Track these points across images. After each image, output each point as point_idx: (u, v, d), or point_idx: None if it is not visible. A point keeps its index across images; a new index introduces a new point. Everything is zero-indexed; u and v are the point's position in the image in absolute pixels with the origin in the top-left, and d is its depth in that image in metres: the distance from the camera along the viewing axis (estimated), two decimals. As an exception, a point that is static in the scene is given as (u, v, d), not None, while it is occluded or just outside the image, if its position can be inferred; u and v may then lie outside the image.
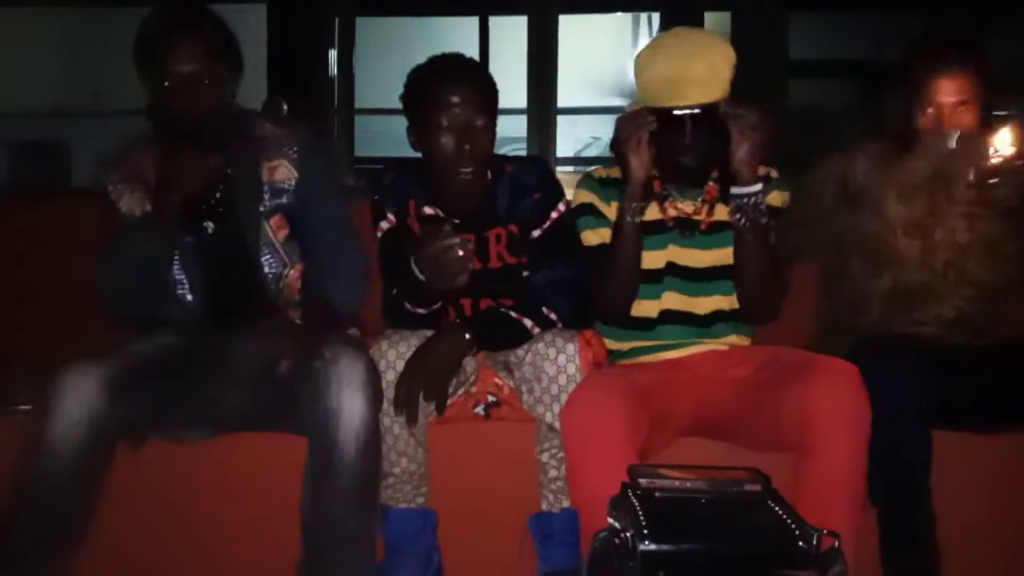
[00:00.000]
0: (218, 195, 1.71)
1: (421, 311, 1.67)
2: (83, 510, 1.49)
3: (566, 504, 1.59)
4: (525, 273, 1.78)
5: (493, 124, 1.75)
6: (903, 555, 1.56)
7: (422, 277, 1.57)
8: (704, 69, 1.66)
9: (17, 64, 7.31)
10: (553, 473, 1.60)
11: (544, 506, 1.62)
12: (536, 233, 1.78)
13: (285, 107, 4.04)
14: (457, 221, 1.76)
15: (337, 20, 4.12)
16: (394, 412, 1.55)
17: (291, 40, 3.97)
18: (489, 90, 1.76)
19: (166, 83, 1.64)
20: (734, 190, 1.67)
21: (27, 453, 1.44)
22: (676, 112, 1.66)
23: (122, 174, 1.74)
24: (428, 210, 1.80)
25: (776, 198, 1.76)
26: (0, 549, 1.45)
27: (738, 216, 1.67)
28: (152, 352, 1.62)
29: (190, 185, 1.64)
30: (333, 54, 4.17)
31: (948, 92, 1.72)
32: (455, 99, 1.69)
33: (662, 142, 1.69)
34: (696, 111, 1.65)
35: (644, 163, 1.66)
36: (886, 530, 1.56)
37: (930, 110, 1.73)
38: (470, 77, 1.74)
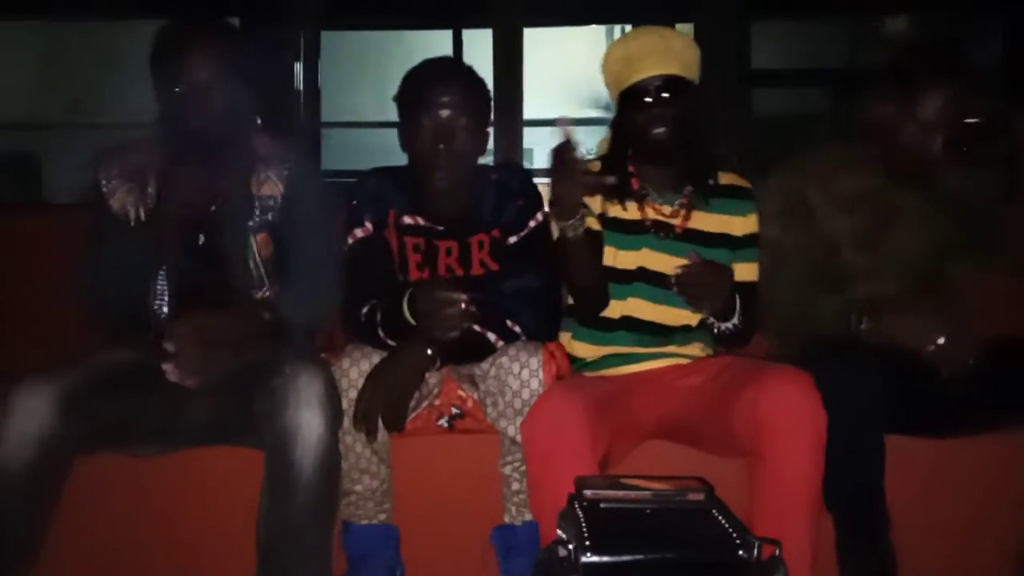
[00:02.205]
0: (214, 208, 1.70)
1: (391, 342, 1.65)
2: (36, 527, 1.47)
3: (528, 517, 1.59)
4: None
5: (479, 128, 1.75)
6: (859, 559, 1.57)
7: (412, 320, 1.59)
8: (659, 41, 1.72)
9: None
10: (516, 486, 1.61)
11: (507, 519, 1.62)
12: (513, 239, 1.78)
13: (259, 121, 4.03)
14: (441, 228, 1.78)
15: (302, 34, 4.15)
16: (354, 429, 1.56)
17: (255, 54, 4.00)
18: (475, 94, 1.75)
19: (177, 89, 1.62)
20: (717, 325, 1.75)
21: None
22: (636, 81, 1.70)
23: (120, 171, 1.72)
24: (408, 219, 1.79)
25: (757, 220, 1.82)
26: None
27: (718, 335, 1.78)
28: (108, 368, 1.61)
29: (192, 199, 1.65)
30: (299, 67, 4.20)
31: (940, 108, 1.73)
32: (436, 99, 1.70)
33: (630, 126, 1.73)
34: (656, 82, 1.69)
35: (573, 188, 1.55)
36: (842, 535, 1.58)
37: (919, 123, 1.74)
38: (455, 79, 1.75)
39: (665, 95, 1.70)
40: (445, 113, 1.70)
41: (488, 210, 1.79)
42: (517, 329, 1.67)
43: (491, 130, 1.81)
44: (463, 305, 1.54)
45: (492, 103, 1.81)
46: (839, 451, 1.50)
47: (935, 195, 1.82)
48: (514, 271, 1.75)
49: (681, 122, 1.71)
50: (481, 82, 1.79)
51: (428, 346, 1.59)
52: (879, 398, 1.56)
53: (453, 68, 1.82)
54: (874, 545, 1.57)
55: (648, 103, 1.70)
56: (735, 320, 1.72)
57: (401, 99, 1.77)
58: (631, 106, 1.72)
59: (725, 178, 1.82)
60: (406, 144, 1.76)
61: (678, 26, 4.14)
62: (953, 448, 1.70)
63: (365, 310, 1.70)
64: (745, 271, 1.80)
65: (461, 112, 1.71)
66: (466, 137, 1.71)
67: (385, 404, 1.55)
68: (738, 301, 1.71)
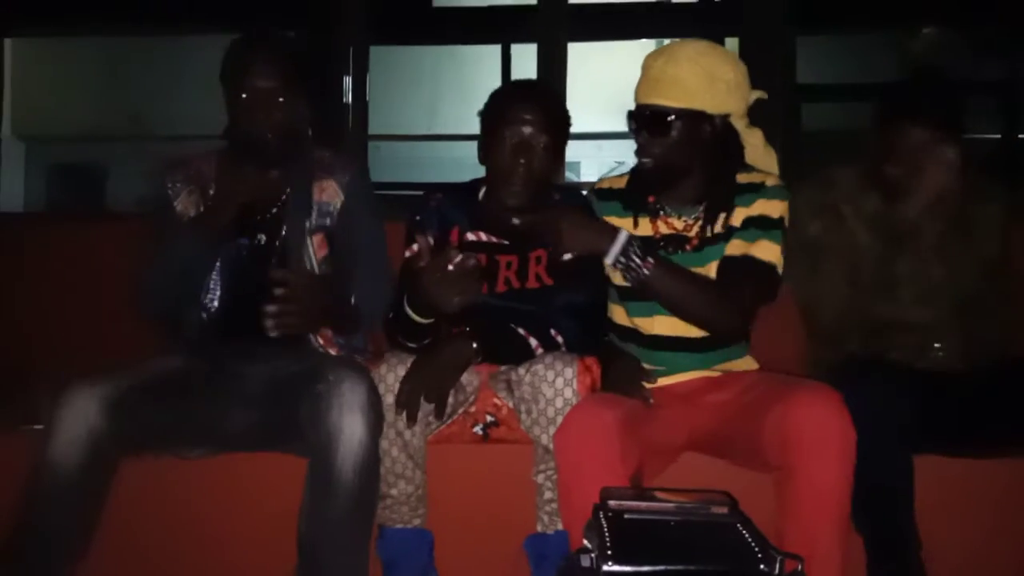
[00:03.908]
0: (274, 210, 1.80)
1: (412, 345, 1.70)
2: (85, 526, 1.53)
3: (561, 526, 1.60)
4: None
5: (556, 150, 1.79)
6: (890, 579, 1.57)
7: (412, 315, 1.63)
8: (664, 68, 1.70)
9: (58, 90, 7.56)
10: (548, 495, 1.63)
11: (539, 527, 1.64)
12: (567, 256, 1.79)
13: (311, 132, 4.15)
14: (507, 243, 1.83)
15: (352, 48, 4.25)
16: (395, 412, 1.59)
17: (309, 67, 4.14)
18: (557, 116, 1.80)
19: (244, 95, 1.73)
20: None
21: (32, 471, 1.49)
22: (636, 105, 1.72)
23: (184, 175, 1.84)
24: (472, 236, 1.85)
25: (770, 207, 1.74)
26: (7, 563, 1.49)
27: (625, 276, 1.69)
28: (156, 372, 1.67)
29: (248, 197, 1.74)
30: (348, 81, 4.30)
31: (912, 150, 1.74)
32: (519, 116, 1.76)
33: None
34: (645, 112, 1.70)
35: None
36: (872, 555, 1.57)
37: (896, 161, 1.76)
38: (539, 99, 1.81)
39: (647, 128, 1.70)
40: (528, 130, 1.75)
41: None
42: (559, 339, 1.70)
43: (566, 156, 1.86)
44: (460, 263, 1.56)
45: (570, 130, 1.85)
46: (868, 470, 1.49)
47: (955, 220, 1.81)
48: (567, 286, 1.79)
49: (669, 154, 1.71)
50: (564, 108, 1.85)
51: (472, 340, 1.63)
52: (909, 417, 1.55)
53: (540, 89, 1.93)
54: (904, 566, 1.55)
55: (637, 131, 1.72)
56: (617, 255, 1.63)
57: (486, 114, 1.84)
58: (631, 128, 1.75)
59: (743, 178, 1.78)
60: (486, 158, 1.82)
61: (733, 41, 4.12)
62: (985, 469, 1.68)
63: (390, 315, 1.75)
64: (734, 247, 1.74)
65: (543, 131, 1.76)
66: (544, 156, 1.77)
67: (427, 389, 1.58)
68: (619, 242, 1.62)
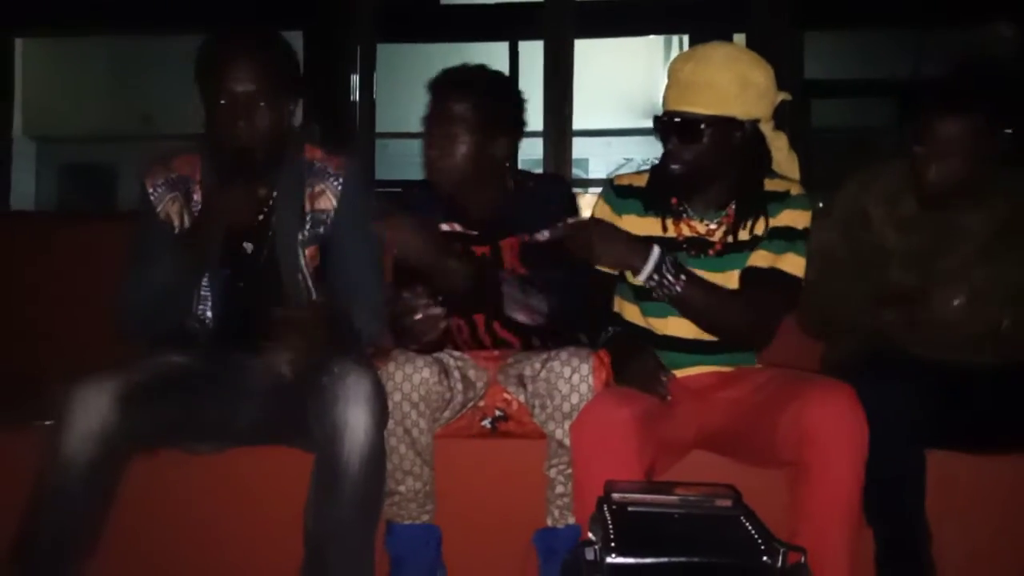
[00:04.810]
0: (260, 217, 1.71)
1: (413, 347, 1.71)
2: (96, 521, 1.53)
3: (571, 520, 1.62)
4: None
5: (485, 136, 1.76)
6: (899, 574, 1.56)
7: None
8: (696, 72, 1.67)
9: (69, 91, 7.62)
10: (560, 489, 1.64)
11: (549, 522, 1.66)
12: (545, 235, 1.79)
13: (318, 130, 4.18)
14: (475, 233, 1.84)
15: (359, 46, 4.26)
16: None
17: (316, 65, 4.16)
18: (478, 103, 1.76)
19: (222, 102, 1.61)
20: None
21: (43, 466, 1.48)
22: (664, 111, 1.70)
23: (166, 178, 1.73)
24: (446, 227, 1.86)
25: (796, 218, 1.72)
26: (18, 559, 1.49)
27: (655, 292, 1.67)
28: (165, 367, 1.65)
29: (235, 218, 1.64)
30: (355, 79, 4.31)
31: (938, 138, 1.70)
32: (437, 106, 1.77)
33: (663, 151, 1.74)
34: (676, 118, 1.67)
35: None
36: (882, 549, 1.58)
37: (923, 149, 1.73)
38: (457, 88, 1.78)
39: (678, 135, 1.68)
40: (447, 121, 1.75)
41: (522, 216, 1.84)
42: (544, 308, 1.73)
43: (508, 138, 1.82)
44: (420, 312, 1.60)
45: (505, 113, 1.82)
46: (880, 465, 1.49)
47: (1008, 220, 1.79)
48: (541, 272, 1.79)
49: (699, 161, 1.68)
50: (494, 93, 1.81)
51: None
52: (921, 413, 1.56)
53: (463, 77, 1.83)
54: (914, 561, 1.56)
55: (666, 137, 1.70)
56: (650, 272, 1.63)
57: None
58: (659, 133, 1.72)
59: (768, 184, 1.76)
60: None
61: (740, 37, 4.12)
62: (996, 465, 1.68)
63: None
64: (760, 258, 1.73)
65: (462, 119, 1.75)
66: (463, 145, 1.75)
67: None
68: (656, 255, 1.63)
